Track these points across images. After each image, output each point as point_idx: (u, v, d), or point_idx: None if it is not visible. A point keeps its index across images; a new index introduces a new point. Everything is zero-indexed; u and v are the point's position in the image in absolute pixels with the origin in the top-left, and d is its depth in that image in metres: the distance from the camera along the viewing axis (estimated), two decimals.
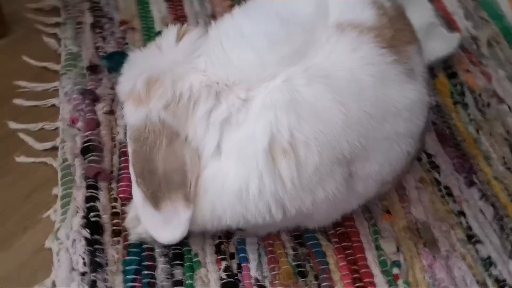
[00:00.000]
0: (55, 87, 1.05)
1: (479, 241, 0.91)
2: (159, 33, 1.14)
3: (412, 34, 0.83)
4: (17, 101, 1.03)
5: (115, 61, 1.06)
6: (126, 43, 1.13)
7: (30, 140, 0.97)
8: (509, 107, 1.12)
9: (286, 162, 0.72)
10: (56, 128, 0.99)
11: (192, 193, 0.76)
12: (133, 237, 0.84)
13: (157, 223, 0.78)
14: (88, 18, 1.17)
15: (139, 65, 0.81)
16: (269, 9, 0.79)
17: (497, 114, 1.11)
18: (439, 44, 1.14)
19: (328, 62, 0.74)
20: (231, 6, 1.22)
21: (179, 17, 1.20)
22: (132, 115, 0.78)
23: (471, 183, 0.99)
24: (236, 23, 0.78)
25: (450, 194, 0.97)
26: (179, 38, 0.80)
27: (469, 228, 0.93)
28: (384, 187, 0.85)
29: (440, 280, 0.86)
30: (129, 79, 0.80)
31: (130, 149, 0.78)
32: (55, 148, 0.96)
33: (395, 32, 0.78)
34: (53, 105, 1.03)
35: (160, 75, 0.77)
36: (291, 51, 0.74)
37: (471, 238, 0.91)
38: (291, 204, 0.75)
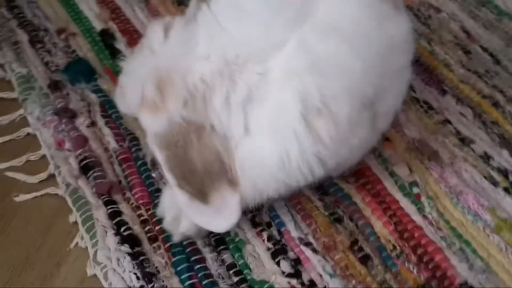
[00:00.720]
0: (21, 115, 0.99)
1: (471, 141, 0.99)
2: (102, 31, 1.11)
3: None
4: None
5: (75, 71, 1.02)
6: (74, 51, 1.08)
7: (21, 176, 0.91)
8: (447, 14, 1.20)
9: (322, 121, 0.73)
10: (43, 156, 0.94)
11: (234, 176, 0.76)
12: (176, 238, 0.83)
13: (210, 216, 0.77)
14: (23, 36, 1.10)
15: (138, 72, 0.78)
16: None
17: (440, 23, 1.18)
18: None
19: (331, 14, 0.74)
20: None
21: (114, 10, 1.15)
22: (152, 123, 0.76)
23: (444, 92, 1.06)
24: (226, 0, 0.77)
25: (430, 107, 1.04)
26: (166, 33, 0.78)
27: (458, 132, 1.00)
28: None
29: (454, 186, 0.92)
30: (133, 89, 0.78)
31: (161, 157, 0.76)
32: (51, 177, 0.91)
33: None
34: (28, 134, 0.97)
35: (167, 76, 0.75)
36: (293, 13, 0.74)
37: (463, 141, 0.99)
38: (331, 160, 0.77)
